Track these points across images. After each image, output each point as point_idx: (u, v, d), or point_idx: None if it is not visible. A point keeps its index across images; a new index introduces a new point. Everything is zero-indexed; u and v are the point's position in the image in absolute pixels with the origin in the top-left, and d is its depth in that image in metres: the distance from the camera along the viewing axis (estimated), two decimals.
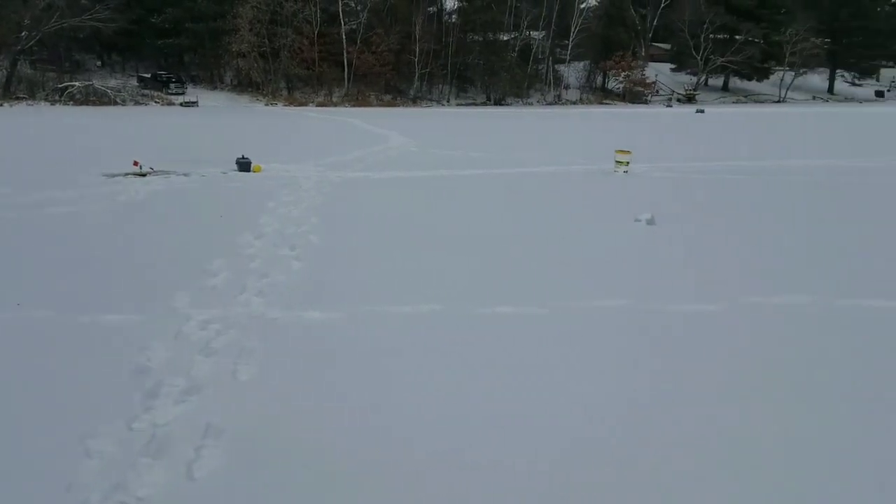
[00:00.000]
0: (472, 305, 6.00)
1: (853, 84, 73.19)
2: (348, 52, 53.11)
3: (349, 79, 54.29)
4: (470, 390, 4.44)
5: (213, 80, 54.70)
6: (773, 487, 3.48)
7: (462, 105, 57.69)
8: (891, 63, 79.28)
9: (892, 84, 75.16)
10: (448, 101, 58.51)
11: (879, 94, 72.32)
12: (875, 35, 68.85)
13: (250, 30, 50.23)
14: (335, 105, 52.10)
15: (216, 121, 32.67)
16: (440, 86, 59.20)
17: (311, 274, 6.98)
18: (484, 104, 58.76)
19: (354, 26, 54.40)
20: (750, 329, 5.61)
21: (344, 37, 53.06)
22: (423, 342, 5.21)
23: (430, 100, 58.19)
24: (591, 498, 3.40)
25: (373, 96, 55.23)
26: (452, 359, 4.92)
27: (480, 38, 59.46)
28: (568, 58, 62.48)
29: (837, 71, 72.25)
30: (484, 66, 59.59)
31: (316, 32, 52.53)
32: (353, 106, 51.57)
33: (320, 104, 52.27)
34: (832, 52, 68.53)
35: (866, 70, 72.74)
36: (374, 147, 21.25)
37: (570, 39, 60.78)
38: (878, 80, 75.42)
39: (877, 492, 3.47)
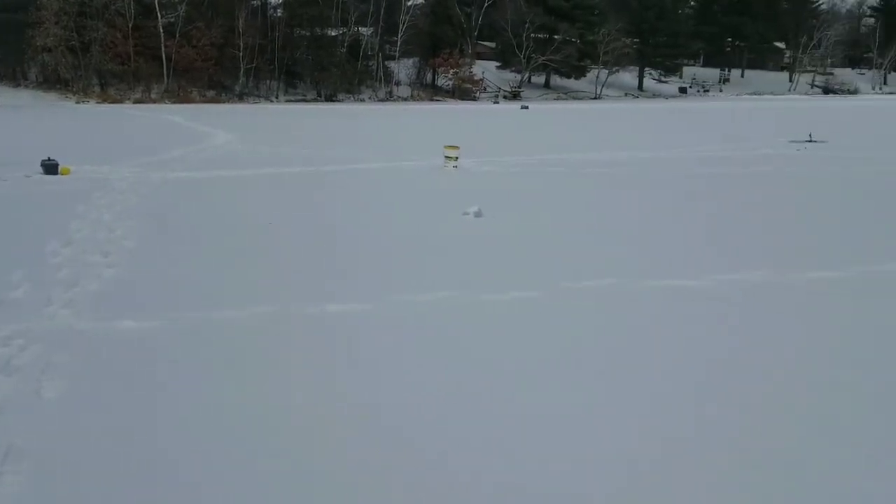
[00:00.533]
0: (302, 305, 5.90)
1: (659, 81, 79.19)
2: (167, 47, 50.63)
3: (169, 74, 51.72)
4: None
5: (15, 77, 50.25)
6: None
7: (292, 101, 56.64)
8: (691, 62, 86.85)
9: (693, 81, 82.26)
10: (277, 98, 57.25)
11: (682, 90, 79.19)
12: (677, 36, 75.21)
13: (56, 22, 46.61)
14: (154, 102, 49.44)
15: (19, 120, 30.14)
16: (268, 81, 57.75)
17: (125, 281, 6.59)
18: (315, 100, 57.98)
19: (172, 19, 51.94)
20: (567, 311, 5.95)
21: (161, 30, 50.53)
22: (252, 350, 5.05)
23: (258, 96, 56.63)
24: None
25: (195, 92, 52.95)
26: (283, 363, 4.83)
27: (308, 33, 58.70)
28: (398, 54, 63.03)
29: (646, 69, 77.88)
30: (313, 62, 58.86)
31: (130, 25, 49.62)
32: (174, 102, 49.19)
33: (137, 101, 49.42)
34: (641, 51, 73.84)
35: (670, 68, 79.03)
36: (197, 145, 20.42)
37: (399, 36, 61.41)
38: (681, 77, 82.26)
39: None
